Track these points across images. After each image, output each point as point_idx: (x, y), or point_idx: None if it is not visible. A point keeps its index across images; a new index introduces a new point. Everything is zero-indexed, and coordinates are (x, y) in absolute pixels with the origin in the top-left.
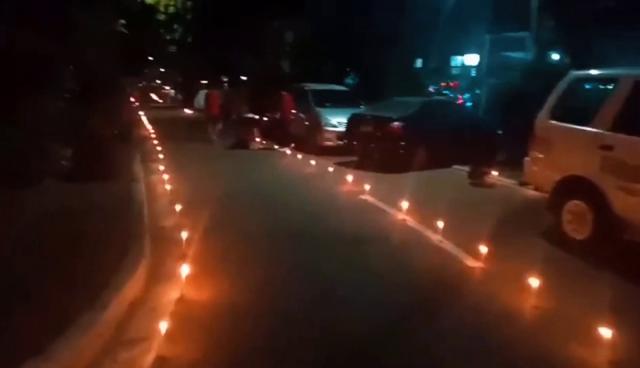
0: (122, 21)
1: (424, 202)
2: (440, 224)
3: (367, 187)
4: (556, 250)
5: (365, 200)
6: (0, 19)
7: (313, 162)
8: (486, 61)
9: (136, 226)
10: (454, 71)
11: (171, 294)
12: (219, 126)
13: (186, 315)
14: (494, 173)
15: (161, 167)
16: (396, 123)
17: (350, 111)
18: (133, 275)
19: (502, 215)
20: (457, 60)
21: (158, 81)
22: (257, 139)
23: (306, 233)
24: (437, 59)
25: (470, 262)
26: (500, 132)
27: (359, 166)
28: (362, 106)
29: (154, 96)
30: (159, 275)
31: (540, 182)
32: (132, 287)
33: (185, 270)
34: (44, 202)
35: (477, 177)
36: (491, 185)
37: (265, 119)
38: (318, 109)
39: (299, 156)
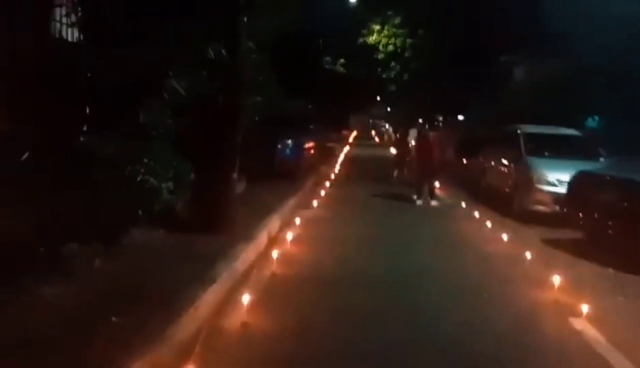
0: (342, 60)
1: None
2: None
3: (587, 305)
4: None
5: (580, 334)
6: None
7: (505, 236)
8: None
9: (156, 330)
10: None
11: None
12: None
13: None
14: None
15: (299, 220)
16: None
17: (580, 165)
18: None
19: None
20: None
21: (383, 120)
22: (437, 190)
23: None
24: None
25: None
26: None
27: (582, 253)
28: (601, 159)
29: (373, 133)
30: None
31: None
32: None
33: None
34: (105, 265)
35: None
36: None
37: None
38: (530, 159)
39: (488, 223)
